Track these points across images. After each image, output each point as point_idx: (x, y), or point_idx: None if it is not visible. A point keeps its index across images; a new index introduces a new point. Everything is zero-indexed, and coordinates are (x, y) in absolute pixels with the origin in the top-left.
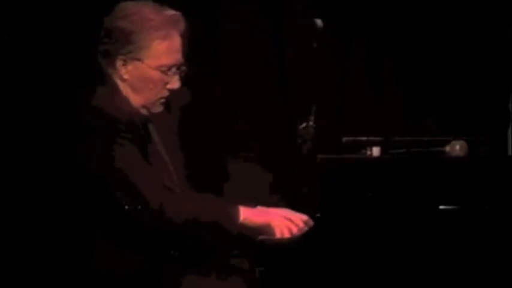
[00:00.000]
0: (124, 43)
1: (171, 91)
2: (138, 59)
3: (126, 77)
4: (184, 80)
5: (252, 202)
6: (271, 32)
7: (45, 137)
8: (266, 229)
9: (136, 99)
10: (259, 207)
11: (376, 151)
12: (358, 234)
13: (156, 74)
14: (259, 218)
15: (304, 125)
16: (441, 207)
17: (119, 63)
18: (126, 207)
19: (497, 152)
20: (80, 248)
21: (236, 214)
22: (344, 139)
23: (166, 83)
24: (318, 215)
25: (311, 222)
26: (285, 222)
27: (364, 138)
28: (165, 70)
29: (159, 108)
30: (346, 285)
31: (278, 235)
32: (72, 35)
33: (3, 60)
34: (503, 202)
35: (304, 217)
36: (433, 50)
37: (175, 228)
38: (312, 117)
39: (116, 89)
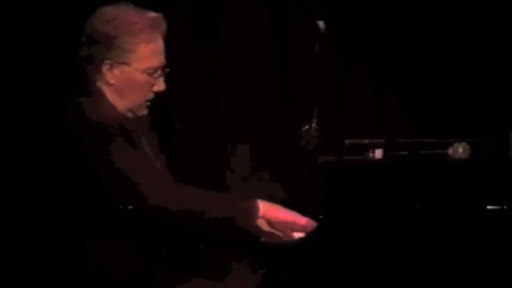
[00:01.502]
0: (109, 48)
1: (157, 93)
2: (125, 63)
3: (112, 81)
4: (185, 82)
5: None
6: (272, 34)
7: (41, 143)
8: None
9: (122, 104)
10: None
11: (378, 153)
12: (360, 237)
13: (143, 77)
14: (282, 213)
15: (306, 127)
16: (443, 209)
17: (104, 68)
18: (130, 203)
19: (500, 154)
20: (78, 248)
21: (255, 209)
22: (346, 141)
23: (153, 86)
24: (321, 217)
25: (313, 225)
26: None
27: (367, 141)
28: (151, 72)
29: (144, 111)
30: (348, 287)
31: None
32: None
33: (9, 61)
34: (505, 204)
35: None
36: (434, 52)
37: (186, 223)
38: (315, 120)
39: (101, 96)
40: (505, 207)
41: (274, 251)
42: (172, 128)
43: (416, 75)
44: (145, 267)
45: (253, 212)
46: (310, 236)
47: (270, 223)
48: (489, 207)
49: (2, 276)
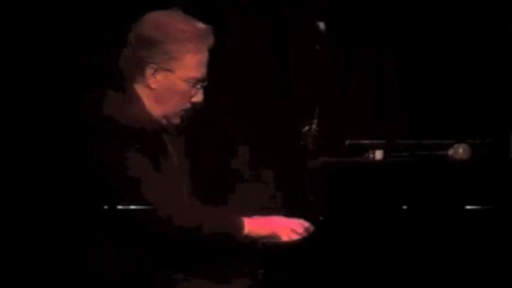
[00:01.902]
0: (157, 52)
1: (194, 104)
2: (169, 70)
3: (154, 86)
4: None
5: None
6: (273, 34)
7: (56, 140)
8: (271, 238)
9: (158, 109)
10: (261, 217)
11: (379, 154)
12: (361, 238)
13: (184, 86)
14: (264, 230)
15: (307, 128)
16: (444, 210)
17: (149, 71)
18: (133, 212)
19: (500, 154)
20: (82, 249)
21: (241, 227)
22: (347, 142)
23: (192, 96)
24: (321, 218)
25: (311, 228)
26: (288, 230)
27: (367, 142)
28: (193, 83)
29: (178, 120)
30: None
31: (285, 239)
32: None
33: (9, 61)
34: (506, 204)
35: (305, 223)
36: (434, 52)
37: (181, 237)
38: (315, 121)
39: (136, 97)
40: (504, 207)
41: (274, 252)
42: None
43: (417, 75)
44: (146, 267)
45: (239, 231)
46: (310, 236)
47: None
48: (489, 207)
49: (3, 277)
